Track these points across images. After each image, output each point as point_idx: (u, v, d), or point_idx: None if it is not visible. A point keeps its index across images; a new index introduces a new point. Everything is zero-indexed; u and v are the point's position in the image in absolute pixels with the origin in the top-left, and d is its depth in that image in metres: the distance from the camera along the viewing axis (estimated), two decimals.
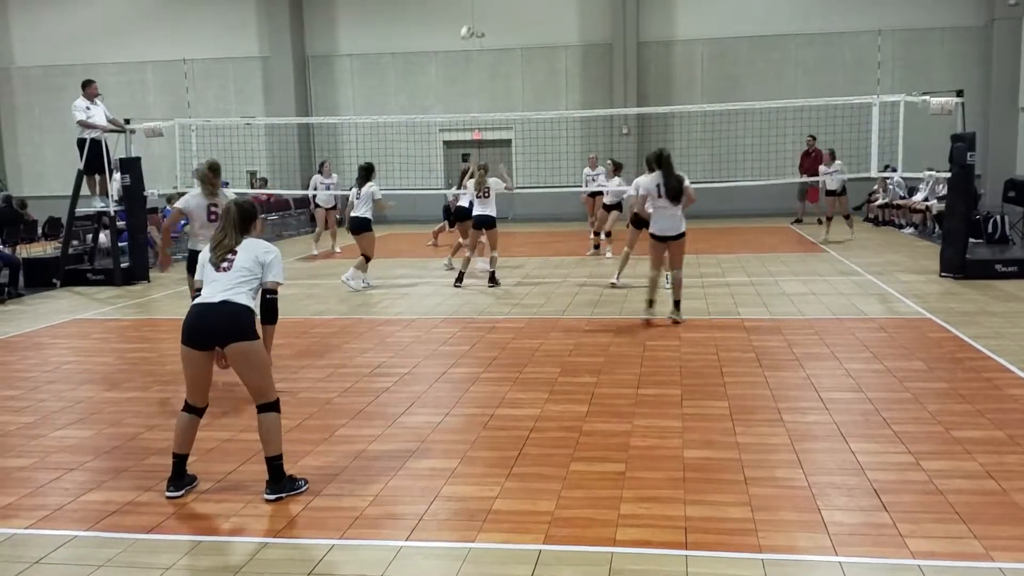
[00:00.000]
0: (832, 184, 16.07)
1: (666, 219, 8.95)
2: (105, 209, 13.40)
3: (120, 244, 13.56)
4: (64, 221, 14.20)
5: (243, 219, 4.79)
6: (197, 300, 4.74)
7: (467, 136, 22.73)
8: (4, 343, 9.06)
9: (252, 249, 4.76)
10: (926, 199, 16.95)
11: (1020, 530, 4.00)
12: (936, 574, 3.62)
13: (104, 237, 14.19)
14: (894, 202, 18.63)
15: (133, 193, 13.33)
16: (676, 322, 8.96)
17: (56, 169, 22.53)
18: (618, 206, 14.62)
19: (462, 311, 10.06)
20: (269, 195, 20.55)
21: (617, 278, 11.36)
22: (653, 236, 9.10)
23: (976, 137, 11.70)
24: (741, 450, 5.12)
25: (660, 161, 8.94)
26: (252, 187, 21.40)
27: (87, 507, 4.57)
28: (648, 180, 9.06)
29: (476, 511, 4.35)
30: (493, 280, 11.78)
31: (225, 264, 4.69)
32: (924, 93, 12.31)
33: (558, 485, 4.65)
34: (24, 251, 14.72)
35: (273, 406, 4.70)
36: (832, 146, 17.13)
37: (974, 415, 5.68)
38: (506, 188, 12.14)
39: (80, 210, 13.64)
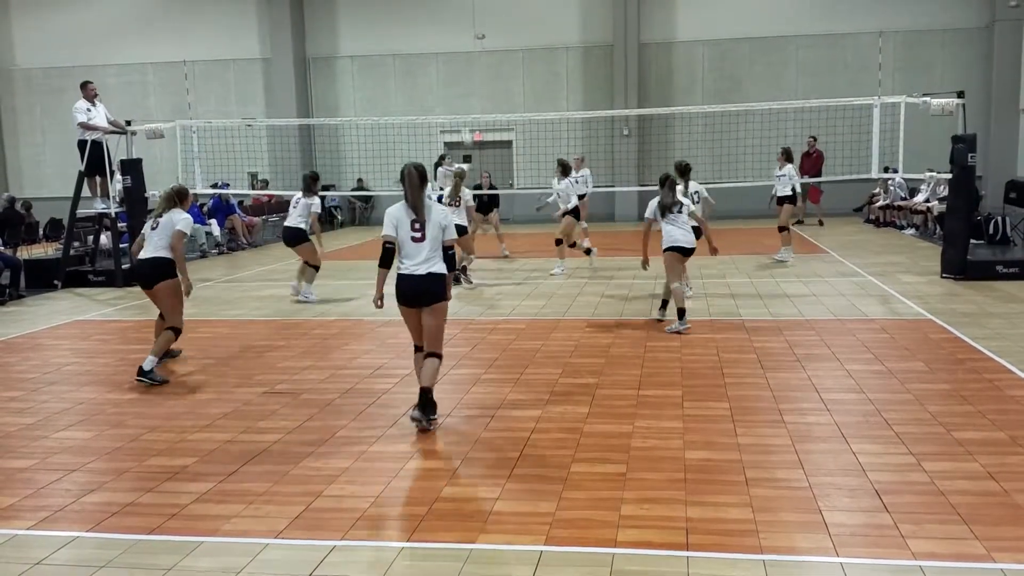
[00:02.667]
0: (783, 188, 13.85)
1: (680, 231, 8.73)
2: (106, 211, 13.41)
3: (121, 246, 13.57)
4: (65, 223, 14.21)
5: (423, 181, 5.81)
6: (401, 271, 5.79)
7: (468, 137, 22.75)
8: (5, 344, 9.07)
9: (438, 215, 5.86)
10: (927, 200, 16.95)
11: (1021, 531, 4.00)
12: (937, 575, 3.62)
13: (105, 239, 14.21)
14: (895, 203, 18.63)
15: (134, 195, 13.33)
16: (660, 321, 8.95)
17: (57, 171, 22.57)
18: (575, 211, 13.16)
19: (462, 312, 10.06)
20: (270, 196, 20.56)
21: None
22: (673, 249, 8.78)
23: (977, 138, 11.70)
24: (742, 451, 5.12)
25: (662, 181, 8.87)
26: (253, 188, 21.42)
27: (88, 508, 4.57)
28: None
29: (477, 512, 4.35)
30: (464, 275, 11.91)
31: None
32: (925, 94, 12.31)
33: (559, 486, 4.65)
34: (25, 252, 14.75)
35: (439, 356, 5.88)
36: (833, 148, 17.12)
37: (975, 416, 5.68)
38: (466, 203, 12.13)
39: (81, 212, 13.66)
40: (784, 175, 13.83)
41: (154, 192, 14.60)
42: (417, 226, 5.75)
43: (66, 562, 3.97)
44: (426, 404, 5.72)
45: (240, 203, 19.63)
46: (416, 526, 4.22)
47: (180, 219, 7.29)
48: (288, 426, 5.88)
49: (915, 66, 20.86)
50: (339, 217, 23.25)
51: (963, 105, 11.62)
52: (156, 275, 7.23)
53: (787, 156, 14.01)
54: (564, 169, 13.47)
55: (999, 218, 14.60)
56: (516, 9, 22.33)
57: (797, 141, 19.22)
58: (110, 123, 13.37)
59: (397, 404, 6.36)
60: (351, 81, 23.37)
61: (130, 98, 22.87)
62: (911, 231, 17.32)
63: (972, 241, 12.46)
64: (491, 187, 15.71)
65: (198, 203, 18.27)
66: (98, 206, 13.46)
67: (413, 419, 5.74)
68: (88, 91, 13.15)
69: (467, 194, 11.92)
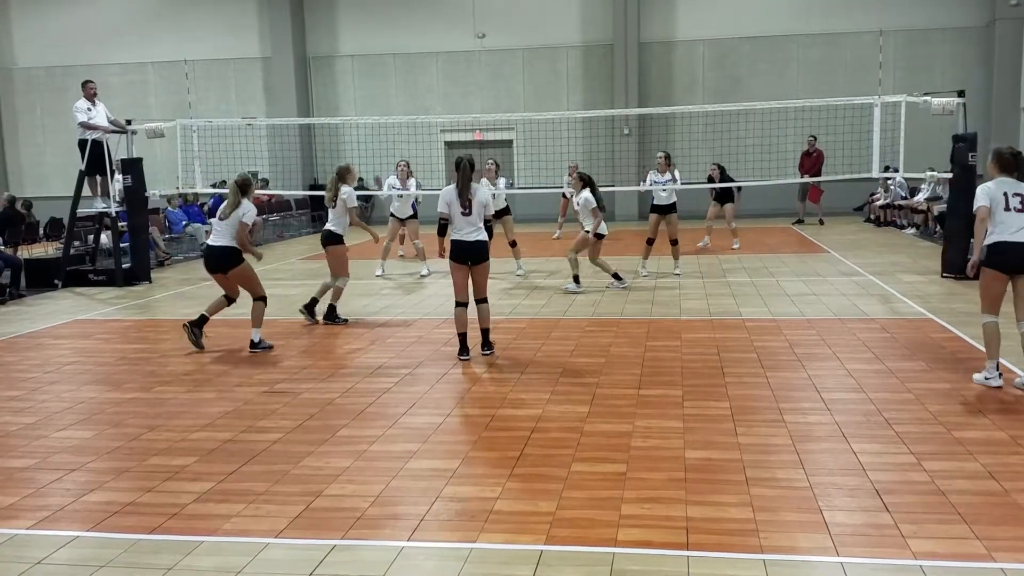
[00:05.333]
0: (664, 196, 12.41)
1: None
2: (107, 210, 13.41)
3: (122, 245, 13.58)
4: (66, 222, 14.21)
5: (472, 170, 7.51)
6: (455, 237, 7.54)
7: (468, 136, 22.76)
8: (6, 343, 9.07)
9: (480, 194, 7.63)
10: (927, 199, 16.95)
11: (1022, 531, 3.99)
12: (938, 575, 3.62)
13: (105, 238, 14.20)
14: (895, 202, 18.63)
15: (134, 194, 13.33)
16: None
17: (58, 170, 22.57)
18: (505, 211, 12.94)
19: None
20: (271, 196, 20.55)
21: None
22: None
23: (977, 137, 11.70)
24: (742, 451, 5.12)
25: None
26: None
27: (89, 507, 4.57)
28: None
29: (477, 511, 4.35)
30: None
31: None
32: (925, 93, 12.32)
33: (559, 486, 4.65)
34: (26, 252, 14.76)
35: (486, 300, 7.73)
36: (834, 147, 17.11)
37: (976, 416, 5.68)
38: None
39: (82, 211, 13.65)
40: (662, 181, 12.42)
41: (154, 191, 14.65)
42: (465, 204, 7.51)
43: (66, 562, 3.97)
44: (487, 341, 7.72)
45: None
46: (416, 526, 4.22)
47: (244, 213, 8.21)
48: (288, 425, 5.88)
49: (916, 65, 20.86)
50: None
51: (964, 104, 11.62)
52: (227, 264, 8.30)
53: (668, 160, 12.61)
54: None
55: None
56: (516, 8, 22.33)
57: (797, 140, 19.23)
58: (110, 122, 13.37)
59: (397, 403, 6.36)
60: (351, 80, 23.37)
61: (130, 97, 22.87)
62: (912, 230, 17.32)
63: (973, 240, 12.44)
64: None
65: (198, 202, 18.29)
66: (98, 205, 13.46)
67: (484, 354, 7.66)
68: (88, 90, 13.16)
69: (346, 192, 11.03)
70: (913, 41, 21.03)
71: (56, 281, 13.07)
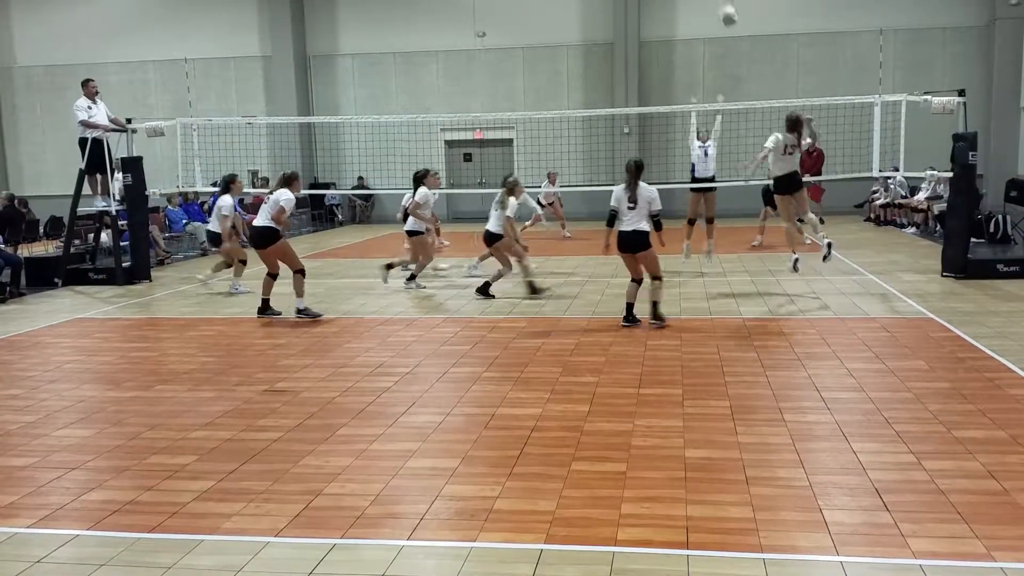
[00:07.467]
0: (704, 168, 12.52)
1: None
2: (107, 208, 13.41)
3: (122, 243, 13.58)
4: (66, 220, 14.21)
5: (639, 170, 8.61)
6: (620, 228, 8.63)
7: (469, 135, 22.76)
8: (6, 342, 9.07)
9: (647, 192, 8.62)
10: (928, 198, 16.94)
11: (1022, 530, 3.99)
12: (938, 574, 3.62)
13: (106, 236, 14.20)
14: (895, 201, 18.62)
15: (135, 192, 13.33)
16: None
17: (58, 168, 22.56)
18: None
19: (463, 311, 10.06)
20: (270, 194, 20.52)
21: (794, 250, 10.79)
22: None
23: (978, 137, 11.69)
24: (742, 450, 5.12)
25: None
26: (254, 187, 21.40)
27: (88, 506, 4.57)
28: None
29: (477, 511, 4.35)
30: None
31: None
32: (926, 93, 12.30)
33: (559, 485, 4.65)
34: (26, 250, 14.74)
35: (660, 277, 8.80)
36: (834, 146, 17.09)
37: (976, 415, 5.68)
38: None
39: (82, 209, 13.64)
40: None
41: (155, 190, 14.65)
42: (631, 200, 8.52)
43: (66, 560, 3.97)
44: (656, 313, 8.73)
45: (241, 201, 19.59)
46: (416, 524, 4.22)
47: (284, 198, 9.49)
48: (288, 424, 5.88)
49: (916, 64, 20.84)
50: (339, 216, 23.26)
51: (964, 103, 11.61)
52: (265, 242, 9.57)
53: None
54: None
55: (1000, 216, 14.59)
56: (517, 7, 22.32)
57: None
58: (111, 121, 13.35)
59: (397, 402, 6.36)
60: (352, 79, 23.37)
61: (131, 96, 22.88)
62: (912, 229, 17.32)
63: (973, 240, 12.46)
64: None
65: (198, 201, 18.29)
66: (98, 204, 13.45)
67: (651, 323, 8.72)
68: (89, 89, 13.15)
69: (513, 204, 10.85)
70: (913, 41, 21.01)
71: (56, 280, 13.07)
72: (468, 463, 5.07)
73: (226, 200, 11.74)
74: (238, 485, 4.79)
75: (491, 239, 10.82)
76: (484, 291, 10.82)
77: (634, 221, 8.56)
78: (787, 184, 10.13)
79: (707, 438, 5.34)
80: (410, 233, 11.63)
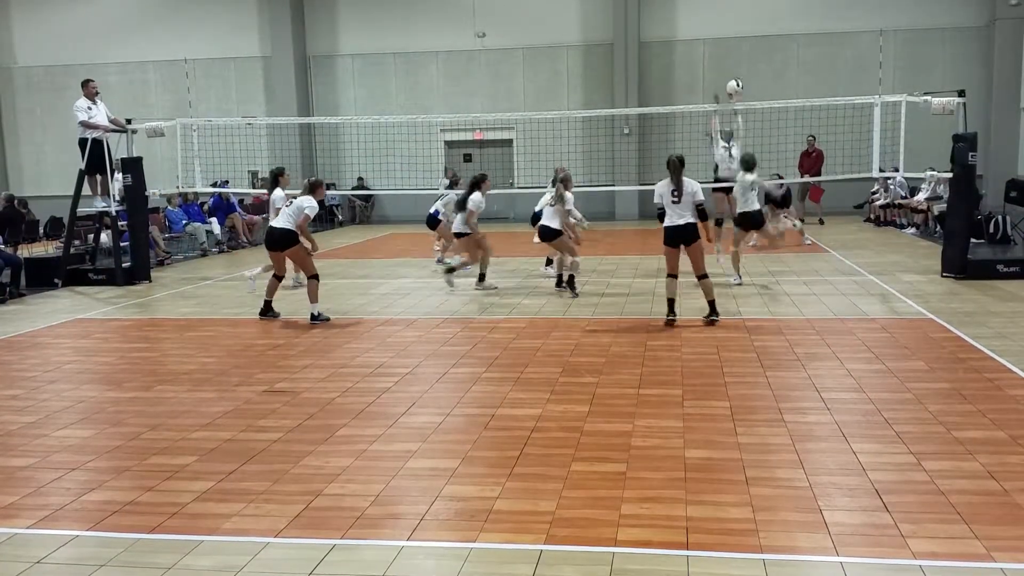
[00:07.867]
0: (729, 169, 12.43)
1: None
2: (107, 209, 13.41)
3: (122, 244, 13.58)
4: (66, 221, 14.21)
5: (682, 164, 8.80)
6: (666, 223, 8.81)
7: (468, 136, 22.75)
8: (6, 343, 9.07)
9: (689, 186, 8.80)
10: (927, 199, 16.94)
11: (1021, 530, 3.99)
12: (937, 574, 3.62)
13: (106, 237, 14.20)
14: (895, 202, 18.62)
15: (135, 193, 13.32)
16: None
17: (58, 169, 22.56)
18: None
19: (463, 311, 10.06)
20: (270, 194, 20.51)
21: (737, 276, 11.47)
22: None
23: (978, 137, 11.70)
24: (742, 450, 5.12)
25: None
26: (254, 187, 21.41)
27: (88, 507, 4.57)
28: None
29: (477, 511, 4.35)
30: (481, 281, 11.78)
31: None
32: (926, 93, 12.30)
33: (559, 485, 4.65)
34: (26, 251, 14.74)
35: (706, 275, 8.98)
36: (834, 146, 17.08)
37: (975, 415, 5.68)
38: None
39: (82, 210, 13.64)
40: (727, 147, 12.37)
41: (154, 190, 14.65)
42: (675, 193, 8.73)
43: (66, 561, 3.97)
44: (713, 309, 8.90)
45: (240, 202, 19.62)
46: (416, 525, 4.22)
47: (308, 204, 9.55)
48: (288, 425, 5.89)
49: (916, 65, 20.84)
50: (339, 216, 23.26)
51: (964, 104, 11.61)
52: (285, 244, 9.57)
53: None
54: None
55: (999, 217, 14.59)
56: (517, 8, 22.32)
57: (797, 140, 19.21)
58: (111, 121, 13.36)
59: (397, 403, 6.36)
60: (351, 79, 23.36)
61: (131, 96, 22.86)
62: (911, 230, 17.31)
63: (972, 240, 12.46)
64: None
65: (198, 201, 18.29)
66: (98, 204, 13.45)
67: (709, 322, 8.84)
68: (89, 89, 13.15)
69: (570, 198, 10.81)
70: (913, 41, 21.01)
71: (56, 280, 13.07)
72: (468, 463, 5.07)
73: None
74: (238, 486, 4.80)
75: (548, 235, 10.72)
76: (570, 284, 10.92)
77: (681, 215, 8.73)
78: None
79: (707, 438, 5.34)
80: (458, 235, 11.56)
